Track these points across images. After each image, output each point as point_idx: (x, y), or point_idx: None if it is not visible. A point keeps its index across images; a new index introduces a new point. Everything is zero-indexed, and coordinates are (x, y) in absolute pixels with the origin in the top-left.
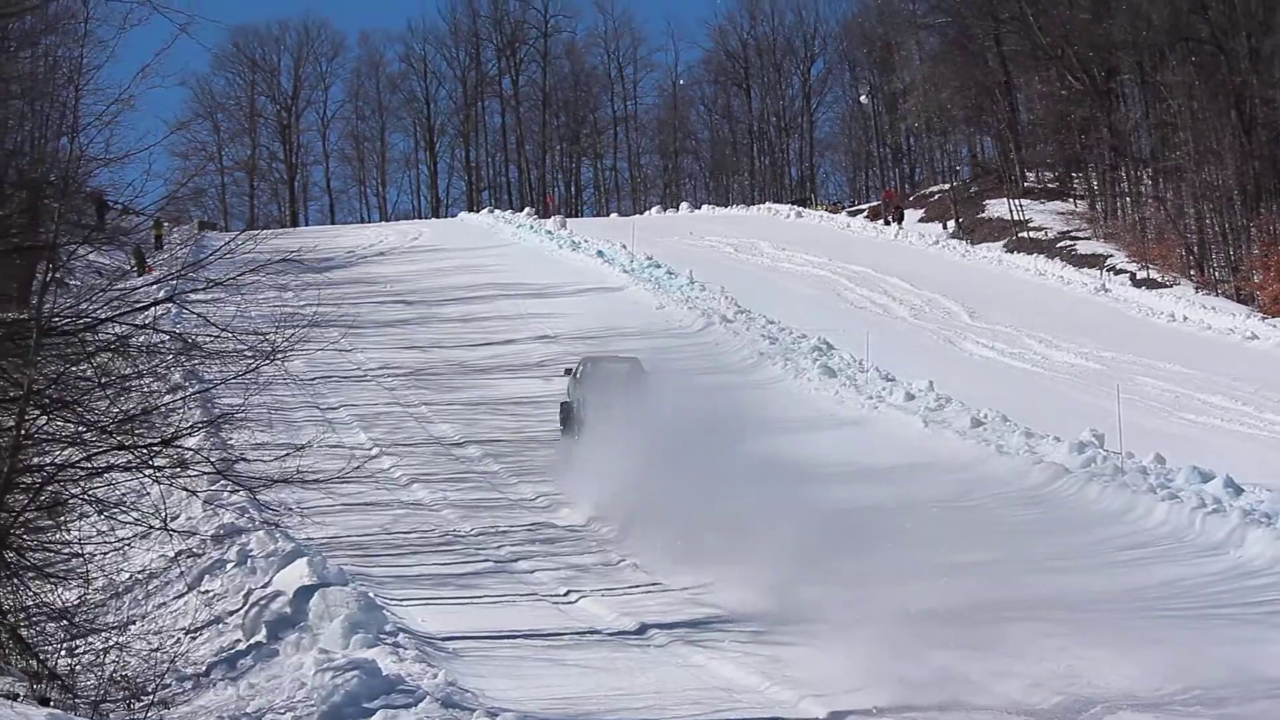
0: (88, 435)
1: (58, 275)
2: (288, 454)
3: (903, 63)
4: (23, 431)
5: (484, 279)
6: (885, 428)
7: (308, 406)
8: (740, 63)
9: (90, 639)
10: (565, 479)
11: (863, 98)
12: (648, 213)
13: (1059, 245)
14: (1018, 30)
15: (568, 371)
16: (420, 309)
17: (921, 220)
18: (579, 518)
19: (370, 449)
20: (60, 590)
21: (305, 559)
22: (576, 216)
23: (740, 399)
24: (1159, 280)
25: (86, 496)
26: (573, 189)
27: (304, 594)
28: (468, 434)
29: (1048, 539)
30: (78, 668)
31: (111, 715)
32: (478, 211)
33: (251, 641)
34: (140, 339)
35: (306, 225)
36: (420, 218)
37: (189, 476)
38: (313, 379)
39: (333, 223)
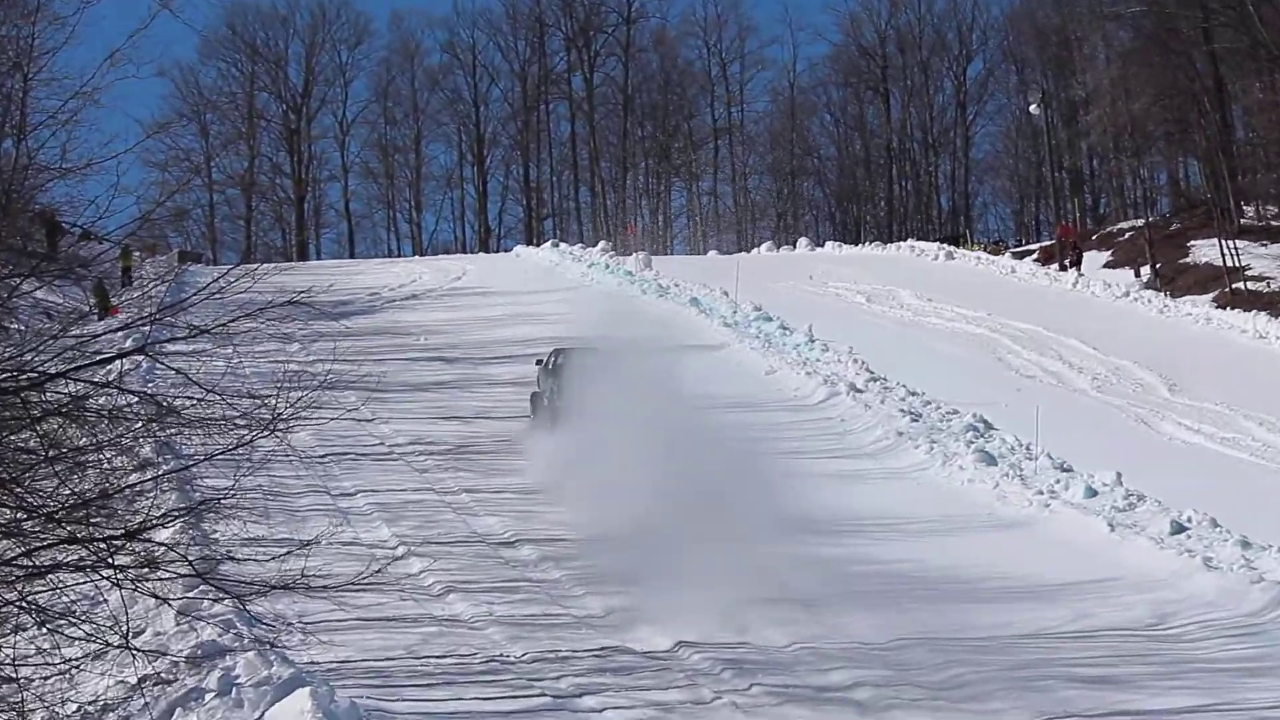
0: (28, 524)
1: None
2: (288, 553)
3: (1085, 63)
4: None
5: (545, 331)
6: (1059, 532)
7: (315, 491)
8: (877, 61)
9: None
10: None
11: (1033, 107)
12: (756, 250)
13: None
14: (1233, 23)
15: (538, 362)
16: (463, 368)
17: (1107, 265)
18: (664, 640)
19: (395, 548)
20: None
21: (307, 689)
22: (665, 254)
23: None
24: None
25: (24, 604)
26: (661, 218)
27: None
28: (521, 530)
29: (1269, 681)
30: None
31: None
32: (539, 245)
33: None
34: (100, 401)
35: (318, 258)
36: (464, 252)
37: (159, 579)
38: (323, 456)
39: (352, 256)
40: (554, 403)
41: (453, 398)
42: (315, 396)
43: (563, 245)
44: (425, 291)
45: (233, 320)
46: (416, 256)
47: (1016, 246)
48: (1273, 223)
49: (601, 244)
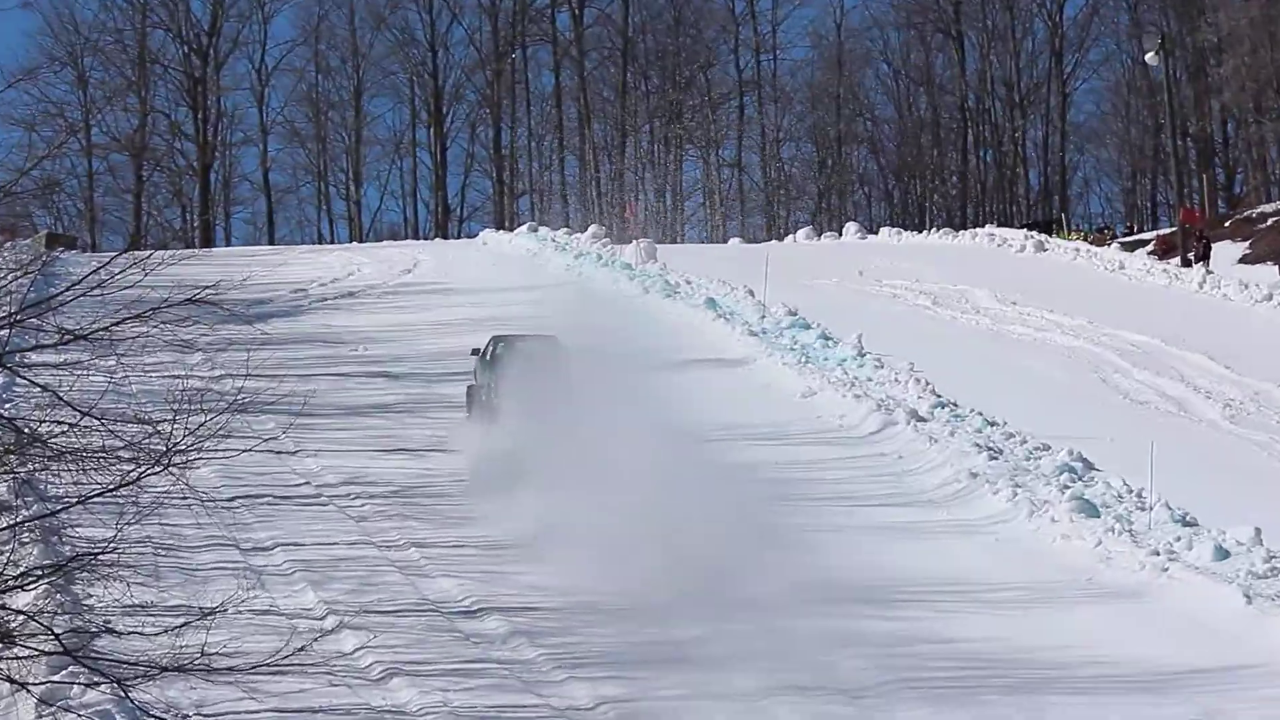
0: None
1: None
2: (185, 624)
3: None
4: None
5: None
6: (1180, 603)
7: (221, 545)
8: None
9: None
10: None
11: (1149, 56)
12: (791, 238)
13: None
14: None
15: (474, 352)
16: (413, 387)
17: (1244, 260)
18: None
19: (323, 618)
20: None
21: None
22: (675, 242)
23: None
24: None
25: None
26: (669, 197)
27: None
28: (485, 597)
29: None
30: None
31: None
32: (512, 230)
33: None
34: None
35: (228, 244)
36: (416, 237)
37: (15, 658)
38: (231, 499)
39: (272, 242)
40: (491, 401)
41: (399, 425)
42: (222, 422)
43: (543, 230)
44: (366, 288)
45: (116, 324)
46: (355, 243)
47: (1126, 235)
48: None
49: (593, 229)
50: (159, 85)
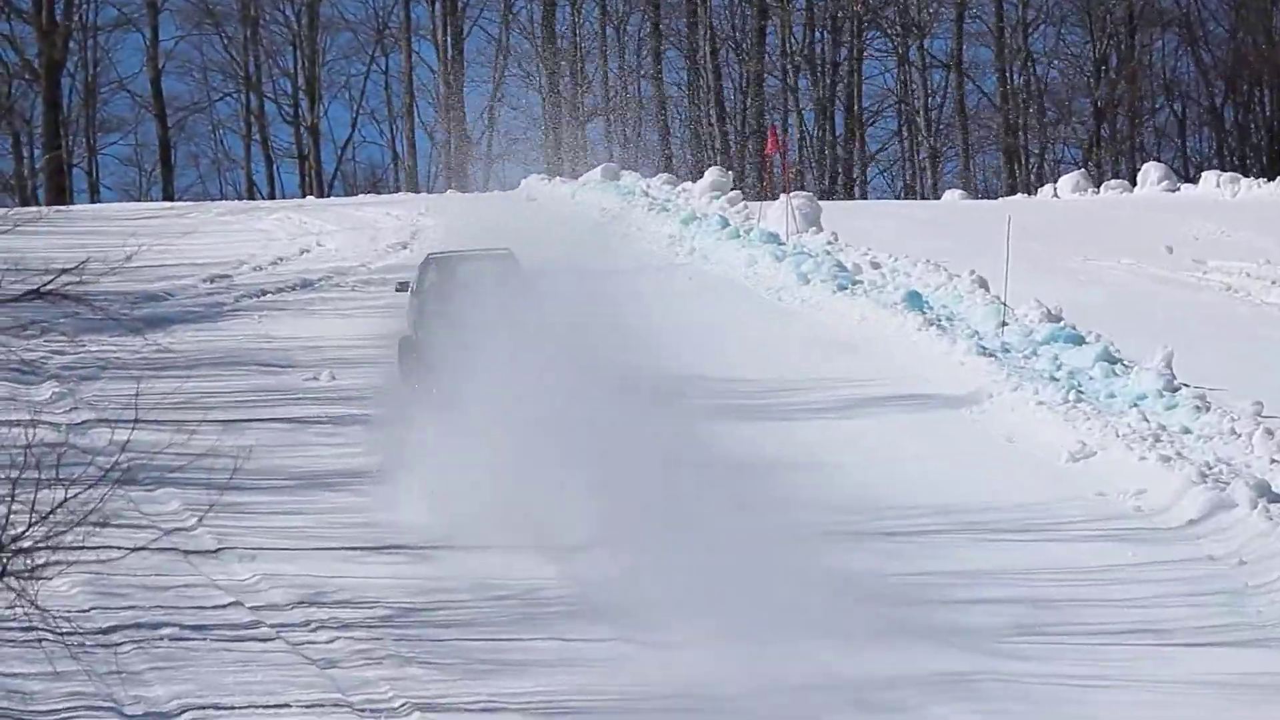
0: None
1: None
2: None
3: None
4: None
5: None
6: None
7: (90, 709)
8: None
9: None
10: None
11: None
12: (1050, 190)
13: None
14: None
15: (400, 286)
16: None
17: None
18: None
19: None
20: None
21: None
22: (850, 196)
23: None
24: None
25: None
26: (840, 121)
27: None
28: None
29: None
30: None
31: None
32: (576, 176)
33: None
34: None
35: (96, 200)
36: (415, 189)
37: None
38: (107, 630)
39: (170, 196)
40: (420, 352)
41: (387, 505)
42: (94, 502)
43: (628, 177)
44: (331, 274)
45: None
46: (309, 198)
47: None
48: None
49: (712, 175)
50: None
